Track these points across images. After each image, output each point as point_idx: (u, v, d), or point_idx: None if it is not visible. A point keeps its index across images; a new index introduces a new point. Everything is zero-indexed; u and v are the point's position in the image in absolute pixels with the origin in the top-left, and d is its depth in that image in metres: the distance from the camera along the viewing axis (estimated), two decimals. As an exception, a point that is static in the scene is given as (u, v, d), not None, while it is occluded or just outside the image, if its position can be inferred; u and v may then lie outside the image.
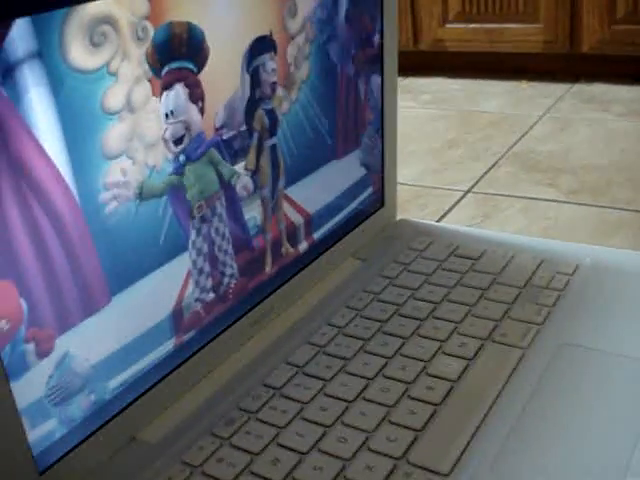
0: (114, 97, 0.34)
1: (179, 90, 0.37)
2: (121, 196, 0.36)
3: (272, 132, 0.45)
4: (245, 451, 0.43)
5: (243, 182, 0.46)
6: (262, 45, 0.41)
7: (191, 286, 0.47)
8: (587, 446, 0.41)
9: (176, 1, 0.36)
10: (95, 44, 0.32)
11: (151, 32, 0.34)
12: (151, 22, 0.35)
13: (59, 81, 0.31)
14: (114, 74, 0.34)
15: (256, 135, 0.45)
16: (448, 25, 1.76)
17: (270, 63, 0.43)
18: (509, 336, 0.51)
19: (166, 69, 0.36)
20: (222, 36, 0.39)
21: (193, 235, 0.42)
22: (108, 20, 0.32)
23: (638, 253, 0.62)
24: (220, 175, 0.43)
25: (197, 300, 0.47)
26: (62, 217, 0.33)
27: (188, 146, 0.39)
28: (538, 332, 0.52)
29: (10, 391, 0.37)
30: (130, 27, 0.34)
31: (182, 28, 0.36)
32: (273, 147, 0.47)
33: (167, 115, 0.36)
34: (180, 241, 0.43)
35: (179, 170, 0.39)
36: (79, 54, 0.32)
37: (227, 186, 0.44)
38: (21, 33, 0.29)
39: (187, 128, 0.38)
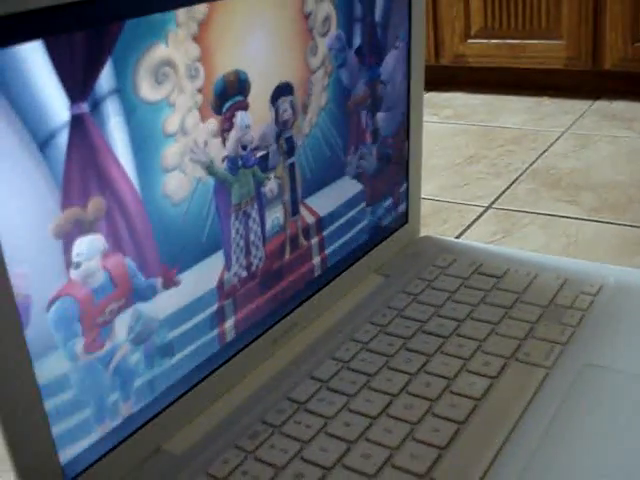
0: (172, 123, 0.42)
1: (243, 115, 0.47)
2: (174, 200, 0.43)
3: (290, 154, 0.52)
4: (269, 465, 0.43)
5: (271, 188, 0.51)
6: (282, 90, 0.50)
7: (224, 288, 0.48)
8: (610, 467, 0.41)
9: (221, 48, 0.44)
10: (158, 82, 0.40)
11: (202, 72, 0.43)
12: (202, 63, 0.43)
13: (132, 111, 0.39)
14: (172, 105, 0.42)
15: (281, 155, 0.51)
16: (470, 40, 1.77)
17: (288, 105, 0.50)
18: (533, 355, 0.51)
19: (230, 102, 0.46)
20: (257, 78, 0.47)
21: (233, 232, 0.48)
22: (168, 63, 0.41)
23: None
24: (257, 184, 0.50)
25: (227, 309, 0.48)
26: (131, 215, 0.41)
27: (241, 158, 0.48)
28: (562, 352, 0.52)
29: (40, 399, 0.37)
30: (185, 68, 0.42)
31: (233, 74, 0.45)
32: (292, 165, 0.52)
33: (242, 128, 0.47)
34: (219, 238, 0.47)
35: (224, 178, 0.47)
36: (146, 90, 0.40)
37: (259, 195, 0.50)
38: (106, 77, 0.38)
39: (247, 143, 0.48)
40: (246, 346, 0.51)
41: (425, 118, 1.66)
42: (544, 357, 0.51)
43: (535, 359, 0.51)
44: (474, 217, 1.11)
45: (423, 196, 1.20)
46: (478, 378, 0.49)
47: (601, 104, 1.65)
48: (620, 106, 1.62)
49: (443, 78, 1.87)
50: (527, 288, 0.60)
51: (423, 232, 0.73)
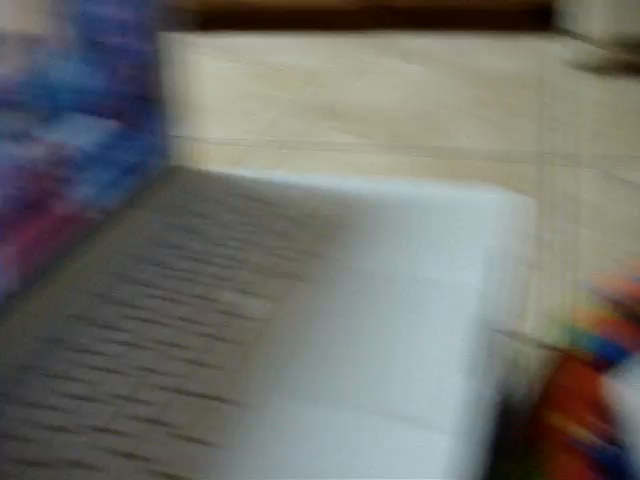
0: None
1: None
2: None
3: (33, 94, 0.51)
4: (28, 404, 0.41)
5: (16, 125, 0.49)
6: (26, 37, 0.49)
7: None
8: (374, 362, 0.44)
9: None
10: None
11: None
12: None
13: None
14: None
15: (25, 95, 0.50)
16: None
17: (29, 50, 0.50)
18: (291, 267, 0.52)
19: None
20: None
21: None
22: None
23: (416, 184, 0.65)
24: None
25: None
26: None
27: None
28: (318, 261, 0.53)
29: None
30: None
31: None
32: (33, 103, 0.51)
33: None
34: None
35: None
36: None
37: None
38: None
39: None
40: (8, 289, 0.49)
41: (206, 60, 1.64)
42: (301, 268, 0.52)
43: (293, 270, 0.52)
44: (248, 152, 1.12)
45: (199, 136, 1.19)
46: (242, 296, 0.49)
47: (374, 38, 1.71)
48: (401, 41, 1.69)
49: (218, 18, 1.85)
50: (286, 206, 0.61)
51: (188, 166, 0.72)
